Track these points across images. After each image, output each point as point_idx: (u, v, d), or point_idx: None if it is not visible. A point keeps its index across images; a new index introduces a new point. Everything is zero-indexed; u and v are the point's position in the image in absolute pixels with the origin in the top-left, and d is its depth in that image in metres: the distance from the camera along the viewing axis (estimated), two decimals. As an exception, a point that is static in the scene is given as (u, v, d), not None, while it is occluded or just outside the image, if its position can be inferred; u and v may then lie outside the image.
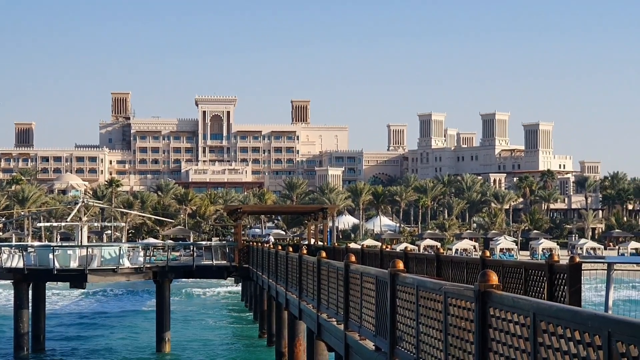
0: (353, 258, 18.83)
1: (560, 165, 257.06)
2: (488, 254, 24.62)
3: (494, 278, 9.51)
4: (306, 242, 71.22)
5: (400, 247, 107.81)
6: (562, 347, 7.38)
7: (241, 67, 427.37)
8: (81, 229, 60.87)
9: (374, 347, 15.98)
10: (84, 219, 64.47)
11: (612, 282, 19.89)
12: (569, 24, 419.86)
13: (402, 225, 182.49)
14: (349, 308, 18.67)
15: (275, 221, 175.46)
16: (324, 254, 23.74)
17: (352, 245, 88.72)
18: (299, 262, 28.24)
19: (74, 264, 54.74)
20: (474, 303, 9.68)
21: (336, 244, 69.42)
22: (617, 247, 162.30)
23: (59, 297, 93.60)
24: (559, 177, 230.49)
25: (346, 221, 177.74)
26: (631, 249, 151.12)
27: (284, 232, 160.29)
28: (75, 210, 69.87)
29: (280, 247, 41.93)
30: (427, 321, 11.99)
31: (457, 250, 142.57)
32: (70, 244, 63.44)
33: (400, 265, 14.11)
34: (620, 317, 6.51)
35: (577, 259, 17.59)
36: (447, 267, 26.76)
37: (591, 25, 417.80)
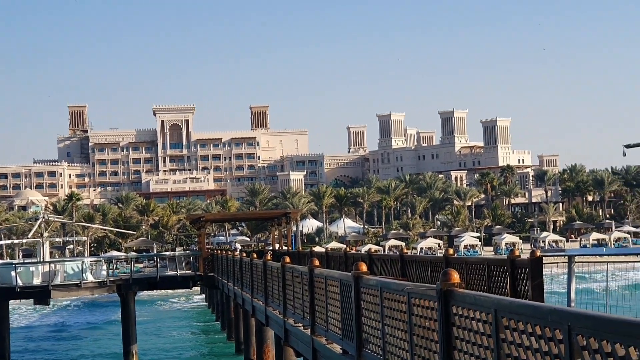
0: (317, 262, 18.87)
1: (519, 160, 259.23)
2: (451, 251, 24.76)
3: (456, 276, 9.57)
4: (271, 248, 71.17)
5: (365, 249, 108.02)
6: (524, 342, 7.46)
7: (198, 75, 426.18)
8: (43, 245, 60.32)
9: (341, 351, 16.02)
10: (45, 234, 63.96)
11: (574, 275, 20.10)
12: (521, 19, 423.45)
13: (366, 227, 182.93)
14: (314, 312, 18.68)
15: (240, 228, 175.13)
16: (288, 259, 23.75)
17: (317, 248, 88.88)
18: (264, 269, 28.22)
19: (37, 281, 54.22)
20: (437, 302, 9.74)
21: (301, 248, 69.33)
22: (578, 238, 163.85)
23: (23, 314, 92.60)
24: (518, 171, 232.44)
25: (310, 225, 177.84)
26: (593, 240, 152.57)
27: (248, 239, 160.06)
28: (36, 227, 69.28)
29: (245, 254, 41.86)
30: (393, 322, 12.04)
31: (422, 249, 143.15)
32: (33, 261, 62.79)
33: (364, 267, 14.16)
34: (579, 311, 6.60)
35: (538, 253, 17.76)
36: (412, 266, 26.88)
37: (544, 19, 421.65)
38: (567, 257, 20.56)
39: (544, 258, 18.18)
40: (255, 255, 33.85)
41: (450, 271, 9.66)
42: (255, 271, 31.43)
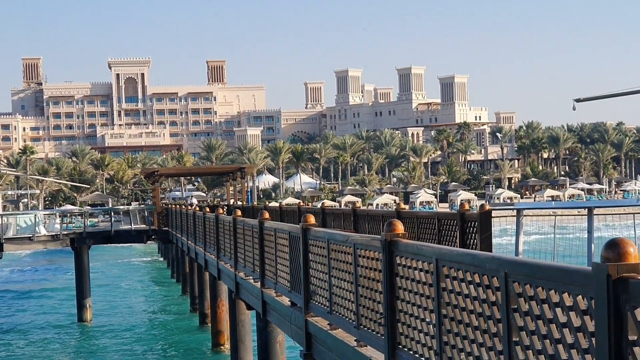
0: (267, 215, 18.83)
1: (476, 116, 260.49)
2: (403, 206, 24.87)
3: (400, 227, 9.56)
4: (226, 203, 71.01)
5: (327, 204, 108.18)
6: (463, 290, 7.47)
7: (154, 28, 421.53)
8: (-5, 198, 59.64)
9: (289, 303, 16.05)
10: (-3, 187, 63.21)
11: (522, 228, 20.27)
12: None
13: (322, 183, 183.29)
14: (264, 265, 18.69)
15: (196, 183, 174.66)
16: (239, 213, 23.69)
17: (272, 204, 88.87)
18: (216, 222, 28.15)
19: (-12, 234, 53.63)
20: (382, 253, 9.73)
21: (256, 204, 69.35)
22: (533, 195, 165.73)
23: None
24: (475, 128, 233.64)
25: (267, 180, 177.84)
26: (547, 196, 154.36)
27: (204, 194, 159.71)
28: (-13, 180, 68.36)
29: (198, 209, 41.73)
30: (339, 274, 12.06)
31: (377, 205, 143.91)
32: (-16, 214, 62.01)
33: (312, 219, 14.13)
34: (516, 258, 6.62)
35: (487, 207, 17.84)
36: (364, 221, 26.94)
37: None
38: (515, 210, 20.73)
39: (493, 212, 18.28)
40: (208, 210, 33.74)
41: (395, 222, 9.64)
42: (208, 225, 31.36)
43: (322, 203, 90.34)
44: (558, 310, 5.72)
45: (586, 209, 19.13)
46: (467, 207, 19.02)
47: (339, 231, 13.95)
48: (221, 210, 29.26)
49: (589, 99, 31.94)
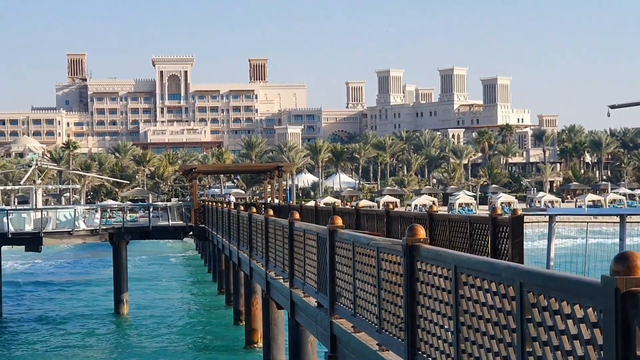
0: (297, 215, 18.82)
1: (518, 119, 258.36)
2: (435, 208, 24.73)
3: (422, 232, 9.48)
4: (263, 201, 71.18)
5: (361, 204, 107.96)
6: (480, 298, 7.40)
7: (197, 26, 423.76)
8: (35, 192, 60.21)
9: (316, 304, 16.01)
10: (38, 181, 63.84)
11: (554, 234, 20.05)
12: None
13: (361, 182, 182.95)
14: (293, 266, 18.69)
15: (235, 180, 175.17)
16: (271, 212, 23.71)
17: (310, 203, 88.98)
18: (249, 221, 28.18)
19: (28, 227, 54.15)
20: (403, 257, 9.67)
21: (292, 203, 69.46)
22: (574, 199, 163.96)
23: (15, 262, 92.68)
24: (517, 131, 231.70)
25: (306, 179, 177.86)
26: (588, 201, 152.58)
27: (243, 192, 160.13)
28: (28, 173, 69.11)
29: (233, 207, 41.82)
30: (363, 277, 12.02)
31: (416, 205, 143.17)
32: (25, 207, 62.72)
33: (339, 221, 14.08)
34: (532, 268, 6.53)
35: (520, 212, 17.70)
36: (397, 222, 26.83)
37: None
38: (548, 216, 20.50)
39: (525, 217, 18.11)
40: (242, 208, 33.81)
41: (417, 226, 9.57)
42: (241, 223, 31.42)
43: (357, 204, 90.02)
44: (569, 322, 5.64)
45: (618, 217, 18.89)
46: (499, 211, 18.89)
47: (364, 234, 13.90)
48: (254, 209, 29.28)
49: (624, 105, 31.47)
